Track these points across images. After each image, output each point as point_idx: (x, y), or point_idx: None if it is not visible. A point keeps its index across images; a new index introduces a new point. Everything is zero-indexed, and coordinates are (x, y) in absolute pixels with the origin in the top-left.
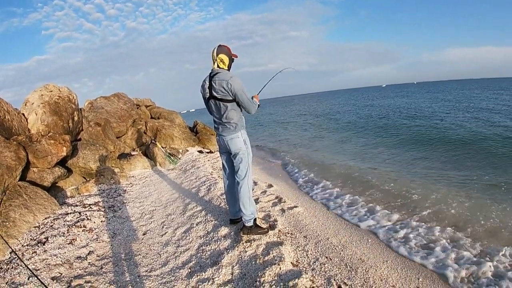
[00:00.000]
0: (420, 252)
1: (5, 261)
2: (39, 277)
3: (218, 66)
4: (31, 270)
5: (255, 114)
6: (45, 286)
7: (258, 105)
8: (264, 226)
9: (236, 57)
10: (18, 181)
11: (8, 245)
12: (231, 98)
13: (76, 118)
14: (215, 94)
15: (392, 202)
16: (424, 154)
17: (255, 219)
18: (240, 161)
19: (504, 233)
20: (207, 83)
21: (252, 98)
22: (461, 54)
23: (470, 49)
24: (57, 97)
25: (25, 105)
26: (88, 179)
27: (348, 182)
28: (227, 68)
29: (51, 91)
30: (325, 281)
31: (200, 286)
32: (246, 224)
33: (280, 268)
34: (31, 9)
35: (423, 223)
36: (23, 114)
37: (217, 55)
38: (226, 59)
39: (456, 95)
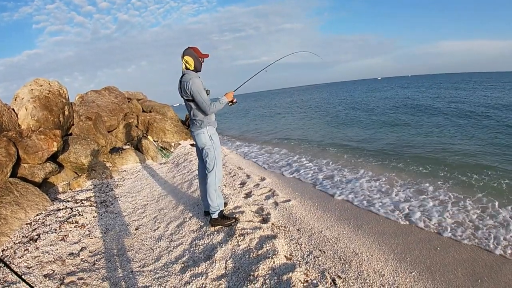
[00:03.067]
0: (418, 247)
1: None
2: (26, 279)
3: (185, 67)
4: (18, 275)
5: (212, 113)
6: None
7: (232, 102)
8: (231, 217)
9: (206, 56)
10: (9, 177)
11: None
12: (192, 98)
13: (66, 113)
14: (182, 94)
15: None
16: None
17: (221, 211)
18: (206, 155)
19: None
20: (179, 84)
21: (224, 96)
22: (453, 47)
23: (462, 42)
24: (47, 92)
25: (15, 100)
26: (80, 174)
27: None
28: (193, 69)
29: (41, 86)
30: (319, 274)
31: (193, 281)
32: (212, 216)
33: (273, 262)
34: (22, 2)
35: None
36: (13, 110)
37: (183, 57)
38: (191, 60)
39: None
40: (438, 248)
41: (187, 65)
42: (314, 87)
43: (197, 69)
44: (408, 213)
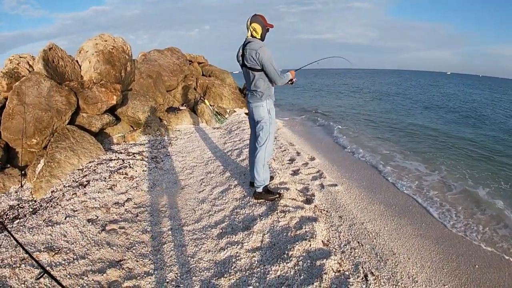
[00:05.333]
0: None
1: (46, 199)
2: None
3: (251, 35)
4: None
5: (281, 86)
6: None
7: (291, 81)
8: (275, 192)
9: (272, 27)
10: (67, 124)
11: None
12: (259, 68)
13: (128, 69)
14: (246, 62)
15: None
16: None
17: (265, 186)
18: (261, 128)
19: None
20: (241, 51)
21: (285, 71)
22: None
23: None
24: (111, 47)
25: (80, 52)
26: (135, 128)
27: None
28: (259, 37)
29: (106, 41)
30: (353, 266)
31: (228, 248)
32: (256, 190)
33: (310, 245)
34: None
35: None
36: (77, 61)
37: (250, 24)
38: (259, 28)
39: None
40: (477, 266)
41: (253, 33)
42: (379, 72)
43: (262, 38)
44: (456, 221)
